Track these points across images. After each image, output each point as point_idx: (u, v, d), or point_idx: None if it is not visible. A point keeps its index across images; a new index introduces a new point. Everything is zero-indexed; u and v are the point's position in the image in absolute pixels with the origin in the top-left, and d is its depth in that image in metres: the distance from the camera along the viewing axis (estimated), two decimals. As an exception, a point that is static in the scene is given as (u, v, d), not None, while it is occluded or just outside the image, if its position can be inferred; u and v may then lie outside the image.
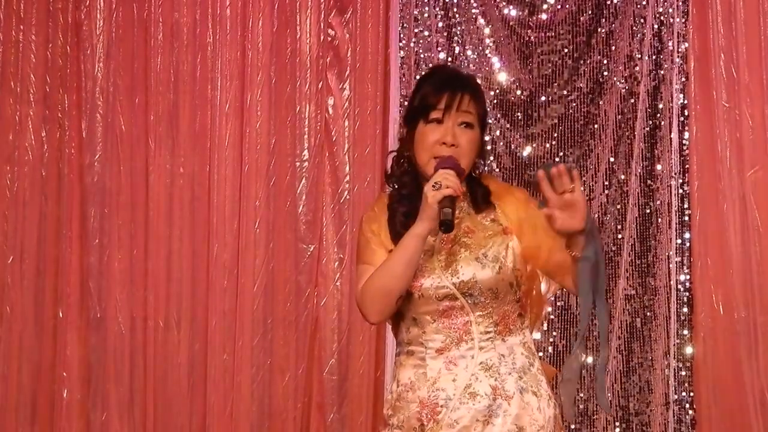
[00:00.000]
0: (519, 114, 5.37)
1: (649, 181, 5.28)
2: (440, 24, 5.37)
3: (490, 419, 3.20)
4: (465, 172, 3.25)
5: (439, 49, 5.36)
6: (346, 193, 5.38)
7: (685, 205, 5.22)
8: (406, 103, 5.31)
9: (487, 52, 5.39)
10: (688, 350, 5.17)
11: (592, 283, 3.16)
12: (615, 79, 5.33)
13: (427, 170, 3.25)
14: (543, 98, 5.38)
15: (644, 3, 5.29)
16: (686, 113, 5.23)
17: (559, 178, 3.09)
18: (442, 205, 3.13)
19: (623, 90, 5.32)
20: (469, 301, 3.23)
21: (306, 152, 5.40)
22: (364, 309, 3.25)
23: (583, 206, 3.10)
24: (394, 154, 3.38)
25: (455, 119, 3.26)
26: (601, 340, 3.34)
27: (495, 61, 5.39)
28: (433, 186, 3.14)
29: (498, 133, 5.36)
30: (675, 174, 5.22)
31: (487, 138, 5.28)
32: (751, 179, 5.13)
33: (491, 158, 5.35)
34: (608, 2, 5.34)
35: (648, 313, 5.23)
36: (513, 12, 5.39)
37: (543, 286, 3.37)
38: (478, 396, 3.21)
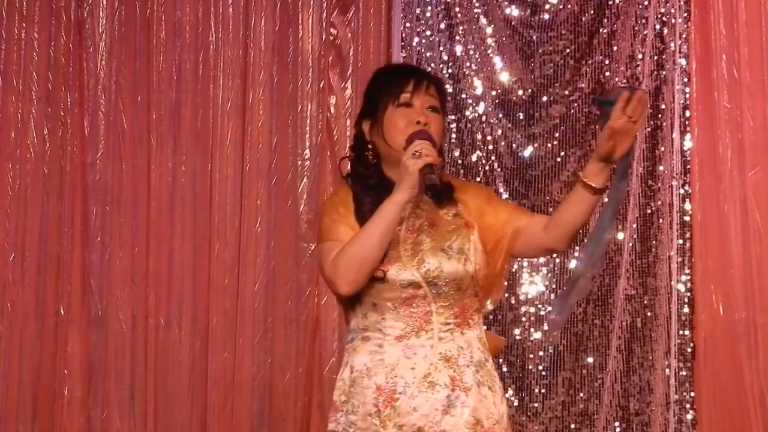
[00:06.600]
0: (521, 114, 5.37)
1: (650, 182, 5.27)
2: (442, 24, 5.38)
3: (448, 409, 3.22)
4: (438, 146, 3.25)
5: (441, 48, 5.36)
6: (347, 192, 5.38)
7: (686, 206, 5.22)
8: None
9: (488, 51, 5.39)
10: (689, 351, 5.18)
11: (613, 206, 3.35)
12: (617, 79, 5.32)
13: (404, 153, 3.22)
14: (545, 98, 5.38)
15: (646, 3, 5.29)
16: (687, 114, 5.23)
17: (635, 104, 3.13)
18: (424, 172, 3.13)
19: (625, 90, 5.31)
20: (433, 291, 3.23)
21: (308, 151, 5.40)
22: (337, 278, 3.19)
23: (631, 141, 3.19)
24: (352, 155, 3.37)
25: (423, 102, 3.29)
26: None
27: (497, 60, 5.39)
28: (413, 155, 3.14)
29: (500, 132, 5.36)
30: (676, 174, 5.22)
31: (479, 136, 5.35)
32: (752, 180, 5.13)
33: (493, 158, 5.35)
34: (610, 2, 5.34)
35: (648, 314, 5.23)
36: (515, 12, 5.39)
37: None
38: (437, 386, 3.22)
